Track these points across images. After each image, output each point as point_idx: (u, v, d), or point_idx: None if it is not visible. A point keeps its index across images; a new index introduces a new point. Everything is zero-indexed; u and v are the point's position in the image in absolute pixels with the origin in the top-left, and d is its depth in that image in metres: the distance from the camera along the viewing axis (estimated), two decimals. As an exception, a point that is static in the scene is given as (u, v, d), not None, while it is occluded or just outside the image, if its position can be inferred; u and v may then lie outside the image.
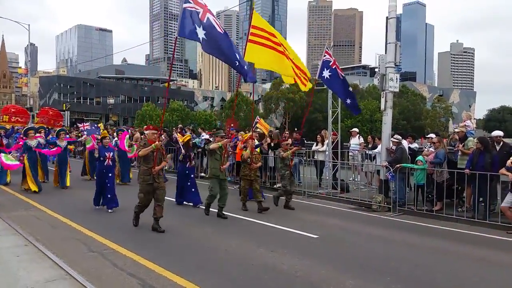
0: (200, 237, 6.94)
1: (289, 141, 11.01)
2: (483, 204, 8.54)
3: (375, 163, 12.10)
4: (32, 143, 11.40)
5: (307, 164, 13.43)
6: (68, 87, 78.39)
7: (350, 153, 13.78)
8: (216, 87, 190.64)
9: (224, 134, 9.39)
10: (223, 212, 8.49)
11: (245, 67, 8.48)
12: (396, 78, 11.11)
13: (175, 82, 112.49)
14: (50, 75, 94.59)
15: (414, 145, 12.14)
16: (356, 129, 14.57)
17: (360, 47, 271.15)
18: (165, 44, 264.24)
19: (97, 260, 5.56)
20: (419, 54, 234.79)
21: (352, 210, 10.01)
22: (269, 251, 6.18)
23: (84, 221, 7.74)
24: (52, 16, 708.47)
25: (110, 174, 9.16)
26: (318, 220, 8.75)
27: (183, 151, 9.86)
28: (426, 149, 10.40)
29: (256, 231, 7.56)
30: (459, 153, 9.32)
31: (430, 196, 9.33)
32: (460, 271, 5.59)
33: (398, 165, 9.65)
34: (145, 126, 7.47)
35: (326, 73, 11.14)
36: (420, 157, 9.72)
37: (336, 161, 12.67)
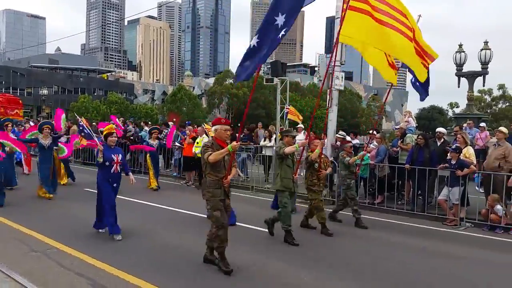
0: (152, 236, 6.73)
1: (351, 143, 9.25)
2: (421, 197, 9.11)
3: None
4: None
5: (255, 159, 13.52)
6: (-4, 76, 72.59)
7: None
8: (157, 80, 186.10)
9: (295, 134, 7.45)
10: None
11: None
12: (342, 77, 11.48)
13: (113, 73, 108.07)
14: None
15: (356, 141, 12.65)
16: (301, 125, 14.90)
17: (302, 46, 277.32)
18: (102, 34, 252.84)
19: (41, 260, 5.22)
20: (355, 55, 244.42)
21: (298, 204, 10.21)
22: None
23: (21, 219, 7.22)
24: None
25: (115, 185, 6.58)
26: (266, 215, 8.80)
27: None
28: (369, 146, 10.87)
29: (203, 226, 7.45)
30: (399, 149, 9.85)
31: (371, 189, 9.79)
32: (400, 259, 5.92)
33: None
34: (215, 120, 5.47)
35: None
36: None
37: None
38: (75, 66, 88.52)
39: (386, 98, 13.86)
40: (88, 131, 8.28)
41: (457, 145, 8.58)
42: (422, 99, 8.42)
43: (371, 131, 11.49)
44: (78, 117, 8.75)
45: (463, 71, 15.53)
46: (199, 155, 11.22)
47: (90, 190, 10.19)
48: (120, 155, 6.58)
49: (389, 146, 10.34)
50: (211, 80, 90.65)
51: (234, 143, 4.96)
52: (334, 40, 11.69)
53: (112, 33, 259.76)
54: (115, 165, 6.45)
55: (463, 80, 15.41)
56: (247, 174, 13.18)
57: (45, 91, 58.92)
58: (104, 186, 6.43)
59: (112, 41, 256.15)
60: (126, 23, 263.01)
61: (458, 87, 15.62)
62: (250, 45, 5.80)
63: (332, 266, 5.51)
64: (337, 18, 11.52)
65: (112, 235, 6.31)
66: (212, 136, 5.40)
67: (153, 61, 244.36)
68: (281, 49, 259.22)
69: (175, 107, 57.25)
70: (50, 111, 71.95)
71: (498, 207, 7.85)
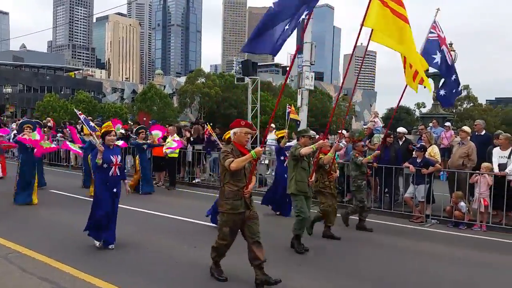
0: (118, 236, 6.59)
1: (362, 142, 8.79)
2: (388, 195, 9.32)
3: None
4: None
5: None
6: (-46, 73, 69.42)
7: (267, 148, 14.10)
8: (127, 78, 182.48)
9: (312, 134, 6.91)
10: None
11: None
12: (312, 77, 11.63)
13: (81, 71, 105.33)
14: None
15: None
16: (273, 125, 14.96)
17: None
18: (70, 31, 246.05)
19: (1, 265, 5.01)
20: (326, 56, 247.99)
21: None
22: (192, 247, 6.08)
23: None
24: None
25: (115, 189, 5.85)
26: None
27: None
28: (340, 144, 11.03)
29: (177, 228, 7.39)
30: (367, 148, 10.05)
31: (340, 188, 9.93)
32: (368, 256, 6.05)
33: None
34: (233, 122, 4.79)
35: (437, 57, 8.33)
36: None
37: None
38: (41, 64, 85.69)
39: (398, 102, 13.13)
40: (92, 125, 7.75)
41: (422, 144, 8.82)
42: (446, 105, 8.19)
43: (340, 131, 11.66)
44: (78, 112, 7.77)
45: (429, 71, 15.97)
46: (170, 155, 11.29)
47: (55, 191, 9.90)
48: (119, 157, 5.98)
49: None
50: (182, 79, 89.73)
51: (259, 148, 4.56)
52: (304, 40, 11.82)
53: (80, 30, 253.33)
54: (113, 167, 5.82)
55: (429, 81, 15.83)
56: (218, 174, 13.11)
57: (9, 90, 56.87)
58: (102, 191, 5.78)
59: (80, 39, 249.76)
60: (94, 20, 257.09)
61: (424, 87, 16.05)
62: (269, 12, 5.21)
63: (299, 261, 5.54)
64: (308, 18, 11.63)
65: (107, 246, 5.79)
66: (231, 141, 4.77)
67: (123, 59, 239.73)
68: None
69: (146, 106, 56.38)
70: (14, 110, 69.47)
71: (462, 204, 8.14)
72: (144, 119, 15.98)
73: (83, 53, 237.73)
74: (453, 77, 8.72)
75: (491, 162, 8.25)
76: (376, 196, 9.61)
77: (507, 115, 62.77)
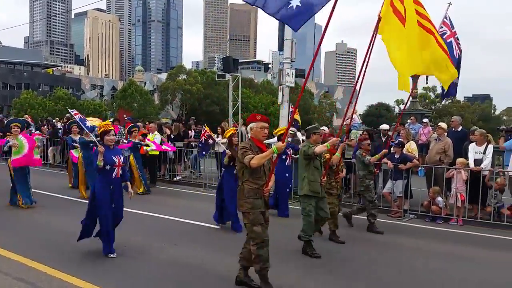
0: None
1: (368, 140, 8.38)
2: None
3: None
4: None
5: (207, 156, 13.40)
6: None
7: (216, 146, 14.10)
8: (106, 74, 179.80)
9: (322, 131, 6.55)
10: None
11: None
12: (292, 74, 11.66)
13: (59, 68, 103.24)
14: None
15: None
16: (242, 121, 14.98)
17: (255, 42, 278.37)
18: (47, 26, 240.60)
19: (-25, 266, 4.89)
20: (308, 53, 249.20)
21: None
22: (172, 245, 6.05)
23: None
24: None
25: (118, 192, 5.53)
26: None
27: (227, 151, 7.10)
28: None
29: (155, 225, 7.33)
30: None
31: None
32: (349, 251, 6.11)
33: (294, 156, 10.15)
34: (249, 117, 4.55)
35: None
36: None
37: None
38: (18, 60, 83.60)
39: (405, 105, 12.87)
40: (88, 125, 7.06)
41: (400, 140, 8.96)
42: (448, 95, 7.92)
43: (321, 128, 11.74)
44: (72, 111, 7.23)
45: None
46: (151, 152, 11.17)
47: (35, 191, 9.64)
48: (122, 157, 5.60)
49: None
50: (163, 76, 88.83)
51: (280, 143, 4.33)
52: (284, 37, 11.82)
53: (58, 26, 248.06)
54: (116, 168, 5.44)
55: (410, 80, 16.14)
56: (199, 171, 13.06)
57: (-17, 86, 55.44)
58: (104, 195, 5.34)
59: (58, 35, 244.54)
60: (73, 16, 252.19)
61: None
62: None
63: (283, 259, 5.57)
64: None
65: (107, 254, 5.37)
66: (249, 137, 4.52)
67: (102, 56, 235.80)
68: (235, 45, 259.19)
69: (126, 103, 55.58)
70: (-10, 107, 67.60)
71: (439, 199, 8.32)
72: (125, 116, 15.74)
73: (62, 49, 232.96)
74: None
75: (467, 157, 8.45)
76: (356, 191, 9.71)
77: (483, 111, 64.30)
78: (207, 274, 4.92)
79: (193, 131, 13.83)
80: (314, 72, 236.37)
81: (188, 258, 5.47)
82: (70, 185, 10.81)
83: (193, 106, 59.25)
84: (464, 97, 65.84)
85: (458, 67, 8.35)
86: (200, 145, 9.03)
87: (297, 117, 11.08)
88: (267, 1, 4.78)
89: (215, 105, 54.31)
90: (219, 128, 13.52)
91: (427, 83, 16.35)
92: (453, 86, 8.44)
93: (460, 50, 8.40)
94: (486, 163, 8.15)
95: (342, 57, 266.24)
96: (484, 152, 8.27)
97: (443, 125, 9.12)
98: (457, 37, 7.89)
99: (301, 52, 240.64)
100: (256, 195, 4.33)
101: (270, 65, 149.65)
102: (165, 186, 11.83)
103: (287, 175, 8.61)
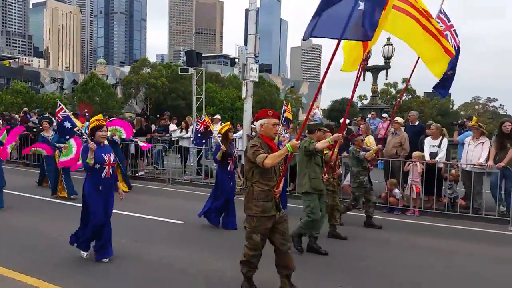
0: (51, 232, 6.31)
1: (362, 136, 8.36)
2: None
3: (238, 148, 12.61)
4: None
5: (171, 151, 13.30)
6: None
7: (213, 140, 14.06)
8: (67, 67, 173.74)
9: (326, 127, 6.45)
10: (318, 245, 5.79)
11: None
12: (256, 68, 11.70)
13: (16, 60, 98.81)
14: None
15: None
16: (218, 116, 14.94)
17: (221, 36, 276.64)
18: (3, 16, 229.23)
19: None
20: (274, 48, 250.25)
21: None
22: (132, 241, 5.97)
23: None
24: None
25: (108, 193, 5.11)
26: (183, 206, 8.76)
27: (222, 146, 6.95)
28: (282, 135, 11.23)
29: (116, 222, 7.17)
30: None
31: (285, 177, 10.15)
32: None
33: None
34: (259, 112, 4.18)
35: None
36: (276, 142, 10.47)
37: (201, 147, 12.80)
38: (-31, 51, 79.41)
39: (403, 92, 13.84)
40: (72, 123, 6.15)
41: (359, 133, 9.19)
42: (443, 96, 7.83)
43: (284, 122, 11.87)
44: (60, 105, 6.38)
45: (368, 65, 16.68)
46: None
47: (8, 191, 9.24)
48: (112, 155, 5.15)
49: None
50: (126, 69, 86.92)
51: (295, 141, 3.96)
52: (248, 31, 11.83)
53: (15, 16, 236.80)
54: (107, 167, 5.02)
55: (369, 74, 16.55)
56: (163, 166, 12.92)
57: None
58: (93, 197, 4.95)
59: (15, 25, 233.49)
60: (31, 6, 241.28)
61: (364, 80, 16.80)
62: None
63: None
64: (251, 10, 11.67)
65: (100, 259, 5.02)
66: (258, 134, 4.21)
67: (63, 48, 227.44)
68: (201, 38, 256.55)
69: (87, 96, 54.11)
70: None
71: (396, 190, 8.61)
72: (86, 110, 15.30)
73: (19, 40, 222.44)
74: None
75: (423, 151, 8.78)
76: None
77: (442, 106, 66.71)
78: (167, 269, 4.90)
79: (156, 126, 13.64)
80: (280, 67, 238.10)
81: (149, 254, 5.42)
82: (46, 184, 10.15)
83: (158, 100, 58.43)
84: (424, 92, 67.97)
85: (456, 59, 7.87)
86: (199, 134, 8.89)
87: (289, 115, 11.07)
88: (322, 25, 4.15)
89: (180, 100, 53.79)
90: (183, 122, 13.42)
91: (386, 79, 16.76)
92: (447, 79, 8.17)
93: (458, 42, 8.01)
94: (441, 156, 8.51)
95: (307, 53, 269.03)
96: (439, 146, 8.62)
97: (399, 119, 9.44)
98: (454, 30, 7.81)
99: (268, 47, 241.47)
100: (266, 197, 4.02)
101: (236, 60, 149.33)
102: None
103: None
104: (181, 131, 13.24)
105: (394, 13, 5.76)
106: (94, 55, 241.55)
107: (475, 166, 8.24)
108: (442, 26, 7.59)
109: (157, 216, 7.52)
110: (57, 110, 6.10)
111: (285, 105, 11.29)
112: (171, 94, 57.41)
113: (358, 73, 5.99)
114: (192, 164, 12.69)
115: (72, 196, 8.72)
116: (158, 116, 31.84)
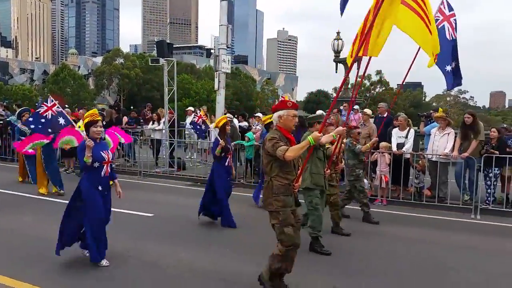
0: (21, 227, 6.18)
1: (359, 129, 8.13)
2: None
3: (209, 140, 12.57)
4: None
5: (143, 143, 13.14)
6: None
7: (186, 132, 14.00)
8: (37, 58, 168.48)
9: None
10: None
11: None
12: (228, 60, 11.67)
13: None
14: None
15: (244, 124, 13.02)
16: (191, 108, 14.84)
17: (197, 27, 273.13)
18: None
19: None
20: (250, 39, 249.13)
21: (188, 187, 10.26)
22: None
23: None
24: None
25: (106, 192, 4.81)
26: (153, 199, 8.70)
27: (221, 141, 6.68)
28: (254, 127, 11.27)
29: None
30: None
31: (257, 169, 10.20)
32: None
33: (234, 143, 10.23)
34: (278, 103, 4.15)
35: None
36: (248, 134, 10.51)
37: (173, 139, 12.71)
38: None
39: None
40: (67, 119, 5.72)
41: (356, 126, 9.31)
42: (448, 88, 7.78)
43: (257, 114, 11.91)
44: (52, 99, 5.84)
45: (340, 57, 16.83)
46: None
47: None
48: (110, 152, 4.87)
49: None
50: (98, 59, 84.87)
51: (317, 133, 3.82)
52: (220, 22, 11.71)
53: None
54: (105, 166, 4.71)
55: (341, 66, 16.69)
56: (134, 158, 12.76)
57: None
58: (93, 196, 4.63)
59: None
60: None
61: (336, 72, 16.97)
62: None
63: (216, 244, 5.63)
64: (223, 1, 11.56)
65: (97, 262, 4.70)
66: (275, 126, 4.08)
67: (32, 38, 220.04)
68: (175, 29, 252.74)
69: (58, 88, 52.70)
70: None
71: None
72: (57, 102, 14.76)
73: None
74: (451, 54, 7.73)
75: (391, 141, 8.97)
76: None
77: (415, 98, 68.12)
78: (134, 262, 4.87)
79: (127, 118, 13.40)
80: (256, 59, 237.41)
81: (116, 247, 5.35)
82: (21, 179, 9.97)
83: (132, 92, 57.47)
84: (397, 84, 69.31)
85: (455, 50, 7.76)
86: (197, 127, 8.75)
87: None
88: None
89: (155, 91, 53.05)
90: (155, 115, 13.26)
91: (358, 67, 16.89)
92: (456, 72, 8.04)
93: (455, 34, 7.75)
94: (408, 146, 8.72)
95: (283, 44, 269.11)
96: (406, 137, 8.83)
97: (368, 111, 9.61)
98: (455, 19, 7.68)
99: (243, 38, 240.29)
100: (286, 191, 3.90)
101: (212, 51, 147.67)
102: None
103: None
104: (153, 123, 13.08)
105: (403, 9, 5.74)
106: (65, 45, 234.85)
107: (440, 157, 8.49)
108: (439, 18, 7.54)
109: (126, 209, 7.43)
110: (49, 105, 5.65)
111: (282, 96, 11.06)
112: (145, 85, 56.54)
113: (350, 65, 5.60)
114: (164, 156, 12.58)
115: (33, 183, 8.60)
116: (132, 107, 31.35)
